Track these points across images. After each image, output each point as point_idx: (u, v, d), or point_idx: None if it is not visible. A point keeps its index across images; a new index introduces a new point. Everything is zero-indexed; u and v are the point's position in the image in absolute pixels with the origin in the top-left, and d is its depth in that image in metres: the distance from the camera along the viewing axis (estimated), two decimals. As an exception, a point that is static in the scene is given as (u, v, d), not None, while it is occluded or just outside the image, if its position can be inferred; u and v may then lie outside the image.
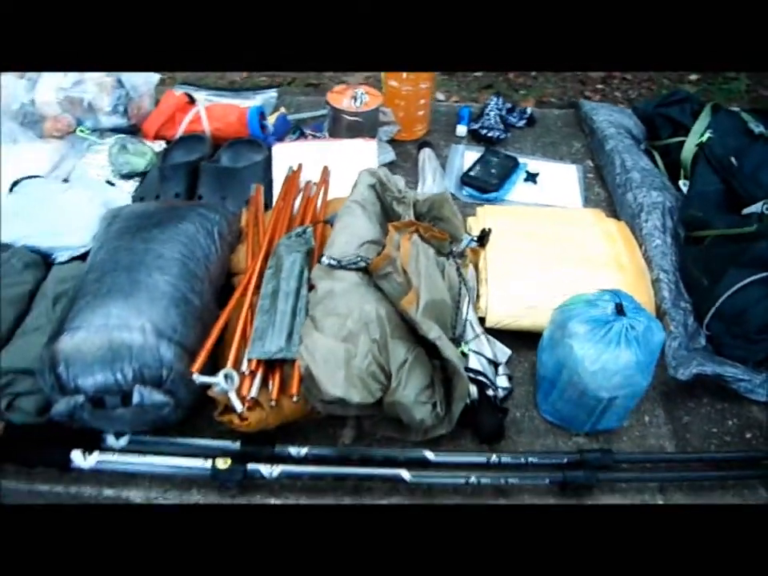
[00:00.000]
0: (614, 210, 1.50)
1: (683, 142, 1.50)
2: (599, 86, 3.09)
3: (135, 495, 1.02)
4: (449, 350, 0.99)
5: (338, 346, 0.96)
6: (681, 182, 1.49)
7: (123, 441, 1.03)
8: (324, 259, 1.06)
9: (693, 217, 1.33)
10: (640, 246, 1.34)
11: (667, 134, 1.56)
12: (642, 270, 1.28)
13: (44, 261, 1.25)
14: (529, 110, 1.77)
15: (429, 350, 1.02)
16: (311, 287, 1.06)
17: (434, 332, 0.98)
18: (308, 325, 1.01)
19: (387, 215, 1.16)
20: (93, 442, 1.03)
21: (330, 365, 0.94)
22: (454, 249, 1.15)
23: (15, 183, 1.34)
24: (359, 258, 1.03)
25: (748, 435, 1.12)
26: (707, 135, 1.46)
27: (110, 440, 1.03)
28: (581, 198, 1.53)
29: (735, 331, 1.17)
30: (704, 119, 1.51)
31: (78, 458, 0.99)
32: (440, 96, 3.05)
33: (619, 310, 0.98)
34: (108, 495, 1.03)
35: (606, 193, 1.56)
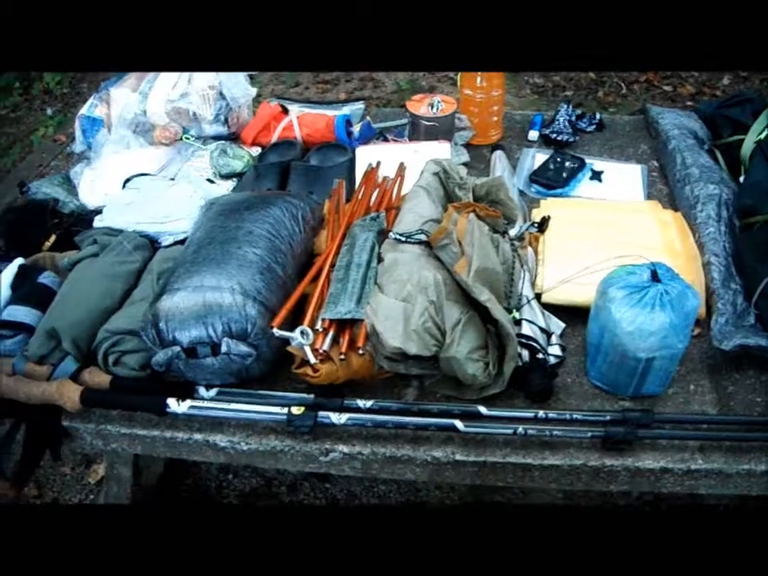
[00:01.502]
0: (674, 204, 1.56)
1: (743, 140, 1.56)
2: (689, 103, 3.12)
3: (221, 440, 1.16)
4: (498, 313, 1.09)
5: (398, 305, 1.08)
6: (741, 178, 1.54)
7: (213, 392, 1.17)
8: (391, 234, 1.19)
9: (744, 205, 1.38)
10: (694, 234, 1.40)
11: (728, 133, 1.62)
12: (694, 254, 1.34)
13: (151, 244, 1.44)
14: (598, 116, 1.86)
15: (483, 315, 1.13)
16: (380, 260, 1.20)
17: (484, 295, 1.09)
18: (375, 290, 1.14)
19: (450, 199, 1.29)
20: (187, 392, 1.17)
21: (391, 320, 1.07)
22: (508, 228, 1.25)
23: (127, 180, 1.55)
24: (420, 232, 1.16)
25: (791, 406, 1.16)
26: (765, 132, 1.52)
27: (202, 391, 1.17)
28: (643, 195, 1.60)
29: (781, 309, 1.22)
30: (764, 118, 1.56)
31: (173, 403, 1.12)
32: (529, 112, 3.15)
33: (654, 277, 1.06)
34: (197, 439, 1.17)
35: (667, 189, 1.62)
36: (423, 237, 1.16)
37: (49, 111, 3.40)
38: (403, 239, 1.17)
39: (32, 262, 1.43)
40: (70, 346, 1.19)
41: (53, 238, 1.52)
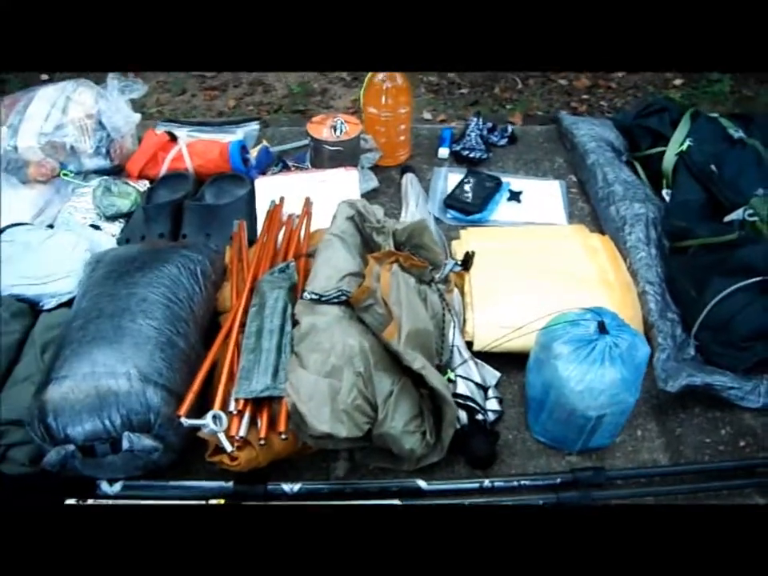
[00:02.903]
0: (598, 224, 1.50)
1: (664, 151, 1.51)
2: (585, 96, 3.10)
3: (131, 540, 1.03)
4: (434, 379, 0.99)
5: (323, 382, 0.96)
6: (664, 192, 1.49)
7: (117, 486, 1.03)
8: (306, 294, 1.06)
9: (676, 227, 1.33)
10: (625, 259, 1.34)
11: (647, 144, 1.57)
12: (628, 283, 1.28)
13: (32, 308, 1.26)
14: (510, 128, 1.78)
15: (415, 379, 1.03)
16: (295, 323, 1.07)
17: (417, 362, 0.98)
18: (293, 361, 1.01)
19: (368, 246, 1.17)
20: (87, 489, 1.03)
21: (316, 401, 0.94)
22: (435, 275, 1.15)
23: (0, 231, 1.35)
24: (340, 292, 1.04)
25: (741, 443, 1.12)
26: (687, 144, 1.47)
27: (104, 486, 1.03)
28: (565, 214, 1.54)
29: (723, 339, 1.17)
30: (683, 127, 1.52)
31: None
32: (427, 115, 3.06)
33: (602, 329, 0.98)
34: (104, 543, 1.03)
35: (589, 207, 1.56)
36: (343, 297, 1.03)
37: None
38: (320, 300, 1.04)
39: None
40: None
41: None
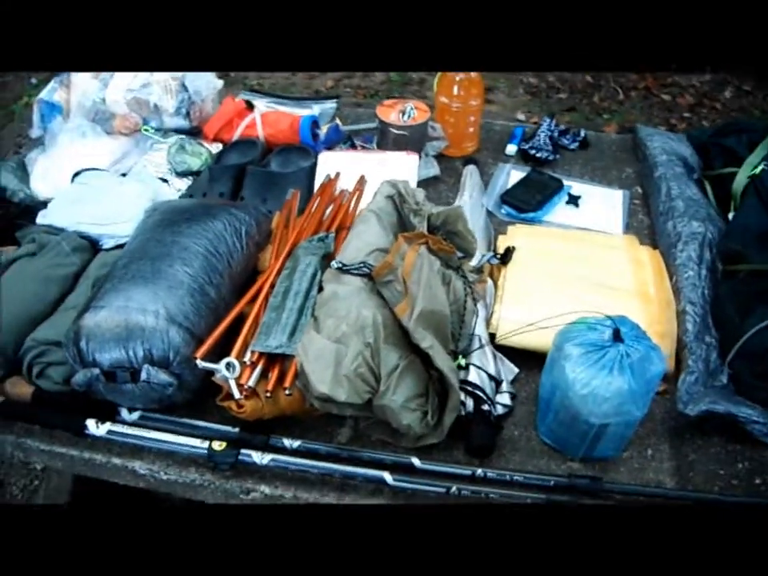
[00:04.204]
0: (654, 238, 1.46)
1: (736, 173, 1.45)
2: (686, 114, 3.00)
3: (140, 466, 1.09)
4: (441, 360, 1.01)
5: (330, 346, 0.99)
6: (730, 215, 1.43)
7: (135, 415, 1.11)
8: (333, 263, 1.10)
9: (730, 249, 1.28)
10: (671, 277, 1.30)
11: (720, 163, 1.51)
12: (668, 300, 1.25)
13: (92, 246, 1.35)
14: (583, 133, 1.75)
15: (425, 359, 1.04)
16: (321, 289, 1.11)
17: (426, 341, 1.00)
18: (310, 324, 1.05)
19: (403, 226, 1.19)
20: (110, 414, 1.10)
21: (321, 363, 0.98)
22: (463, 263, 1.15)
23: (77, 174, 1.46)
24: (363, 264, 1.06)
25: (757, 481, 1.06)
26: (761, 167, 1.41)
27: (124, 413, 1.11)
28: (622, 224, 1.50)
29: (758, 371, 1.12)
30: (761, 151, 1.45)
31: (91, 425, 1.07)
32: (520, 116, 3.04)
33: (616, 336, 0.97)
34: (116, 464, 1.10)
35: (649, 220, 1.52)
36: (366, 270, 1.06)
37: (33, 80, 3.29)
38: (344, 270, 1.07)
39: (-30, 255, 1.36)
40: None
41: (-3, 229, 1.44)
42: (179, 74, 1.60)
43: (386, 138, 1.59)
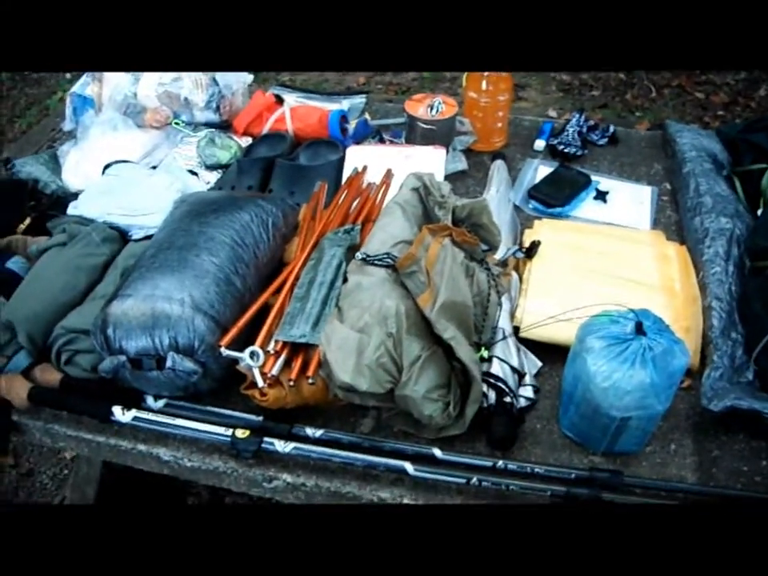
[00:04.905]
0: (682, 234, 1.44)
1: (765, 169, 1.43)
2: (720, 113, 2.95)
3: (164, 453, 1.12)
4: (462, 352, 1.01)
5: (353, 336, 1.00)
6: (759, 211, 1.42)
7: (160, 403, 1.13)
8: (358, 254, 1.10)
9: (758, 245, 1.26)
10: (698, 273, 1.29)
11: (749, 160, 1.49)
12: (694, 296, 1.24)
13: (122, 237, 1.38)
14: (612, 128, 1.74)
15: (448, 351, 1.05)
16: (346, 280, 1.11)
17: (449, 332, 1.01)
18: (334, 314, 1.06)
19: (428, 218, 1.19)
20: (136, 401, 1.13)
21: (343, 352, 0.99)
22: (487, 256, 1.16)
23: (107, 166, 1.48)
24: (387, 255, 1.07)
25: (782, 478, 1.06)
26: (791, 163, 1.39)
27: (150, 401, 1.13)
28: (650, 220, 1.49)
29: (784, 368, 1.11)
30: (792, 147, 1.43)
31: (117, 412, 1.09)
32: (552, 113, 3.02)
33: (639, 329, 0.96)
34: (141, 450, 1.13)
35: (677, 216, 1.50)
36: (389, 261, 1.07)
37: (67, 75, 3.35)
38: (368, 261, 1.08)
39: (4, 244, 1.40)
40: (24, 341, 1.16)
41: (28, 220, 1.47)
42: (210, 68, 1.62)
43: (413, 133, 1.60)
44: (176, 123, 1.65)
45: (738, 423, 1.10)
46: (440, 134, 1.59)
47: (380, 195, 1.39)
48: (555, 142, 1.69)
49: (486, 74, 1.59)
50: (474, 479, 0.99)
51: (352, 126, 1.66)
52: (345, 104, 1.82)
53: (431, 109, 1.58)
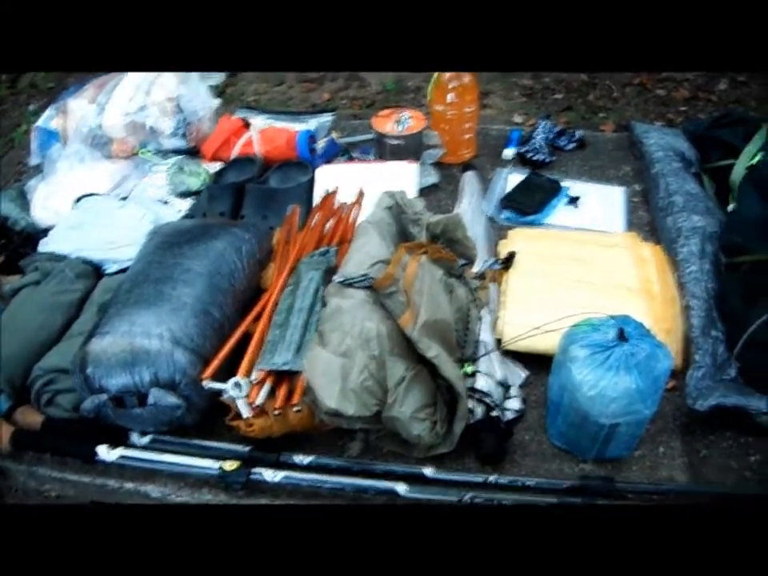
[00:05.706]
0: (656, 234, 1.46)
1: (733, 164, 1.45)
2: (683, 108, 2.97)
3: (153, 490, 1.10)
4: (447, 369, 1.01)
5: (336, 361, 0.99)
6: (729, 207, 1.43)
7: (146, 439, 1.11)
8: (335, 277, 1.10)
9: (732, 241, 1.28)
10: (674, 272, 1.30)
11: (717, 156, 1.51)
12: (672, 297, 1.24)
13: (95, 271, 1.36)
14: (578, 134, 1.75)
15: (432, 369, 1.04)
16: (325, 304, 1.11)
17: (432, 350, 1.00)
18: (315, 339, 1.05)
19: (404, 236, 1.19)
20: (121, 438, 1.11)
21: (327, 378, 0.98)
22: (464, 270, 1.16)
23: (78, 200, 1.47)
24: (364, 277, 1.06)
25: (771, 472, 1.07)
26: (758, 157, 1.41)
27: (135, 437, 1.11)
28: (623, 222, 1.50)
29: (766, 362, 1.12)
30: (758, 141, 1.45)
31: (102, 451, 1.07)
32: (518, 119, 3.03)
33: (621, 336, 0.96)
34: (128, 489, 1.11)
35: (649, 216, 1.52)
36: (367, 282, 1.06)
37: (31, 107, 3.30)
38: (347, 283, 1.08)
39: (-23, 286, 1.37)
40: (3, 384, 1.15)
41: (0, 259, 1.45)
42: (174, 96, 1.61)
43: (382, 149, 1.60)
44: (142, 152, 1.64)
45: (723, 420, 1.10)
46: (409, 149, 1.59)
47: (353, 215, 1.39)
48: (524, 150, 1.70)
49: (450, 86, 1.59)
50: (467, 497, 0.99)
51: (320, 145, 1.66)
52: (312, 123, 1.82)
53: (398, 124, 1.58)
